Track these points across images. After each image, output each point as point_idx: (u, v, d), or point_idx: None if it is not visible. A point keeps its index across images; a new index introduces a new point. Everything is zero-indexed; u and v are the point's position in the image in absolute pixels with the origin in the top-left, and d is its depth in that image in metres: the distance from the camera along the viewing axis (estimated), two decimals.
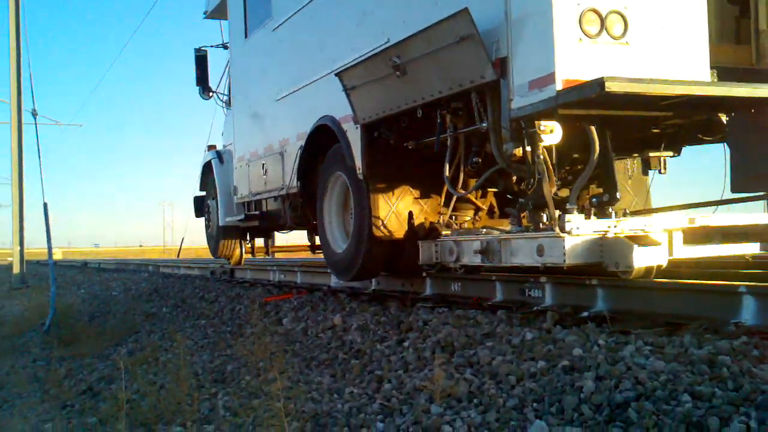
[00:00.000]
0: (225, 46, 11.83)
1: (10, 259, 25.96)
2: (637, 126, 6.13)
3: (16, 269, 22.03)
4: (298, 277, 10.24)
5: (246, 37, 10.28)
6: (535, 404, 3.84)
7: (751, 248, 5.93)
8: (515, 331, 5.04)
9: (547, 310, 5.41)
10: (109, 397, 6.03)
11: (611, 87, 4.42)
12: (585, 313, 5.11)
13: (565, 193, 6.13)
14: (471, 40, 5.23)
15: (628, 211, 6.29)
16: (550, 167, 5.34)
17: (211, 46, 12.34)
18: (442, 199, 6.94)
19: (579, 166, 6.20)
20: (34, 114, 13.73)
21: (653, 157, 7.09)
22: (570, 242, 4.92)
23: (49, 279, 12.31)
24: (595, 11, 4.78)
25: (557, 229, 5.07)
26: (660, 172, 7.20)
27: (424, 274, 7.15)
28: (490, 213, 7.32)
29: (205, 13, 12.19)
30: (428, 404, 4.23)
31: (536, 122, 5.03)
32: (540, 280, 5.74)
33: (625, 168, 7.50)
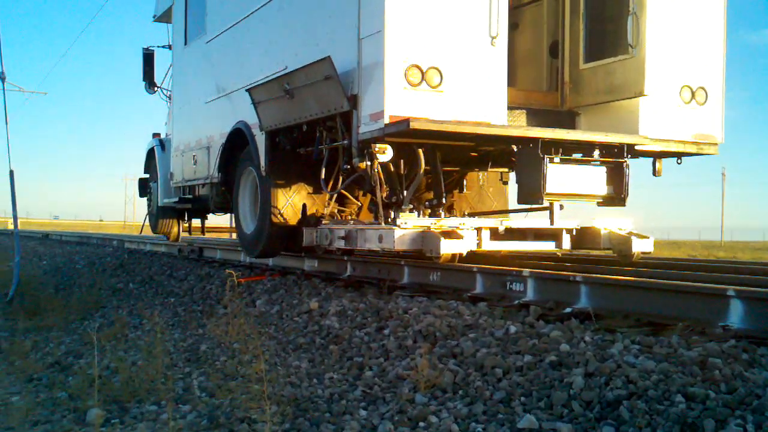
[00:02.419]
0: (170, 47, 12.89)
1: None
2: (459, 150, 7.98)
3: None
4: (269, 260, 10.12)
5: (185, 44, 11.69)
6: (522, 398, 3.81)
7: (547, 245, 7.61)
8: (498, 323, 5.00)
9: (528, 304, 5.40)
10: (78, 371, 5.88)
11: (414, 125, 6.16)
12: (568, 309, 5.10)
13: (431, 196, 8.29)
14: (332, 79, 6.78)
15: (466, 213, 9.09)
16: (382, 179, 7.08)
17: (158, 46, 13.64)
18: (332, 196, 8.30)
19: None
20: (2, 78, 13.22)
21: (499, 172, 9.21)
22: (399, 234, 6.50)
23: (10, 249, 12.03)
24: (418, 67, 6.33)
25: (382, 223, 6.87)
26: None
27: (403, 263, 7.17)
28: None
29: (154, 16, 13.50)
30: (412, 393, 4.19)
31: (373, 144, 6.55)
32: (522, 273, 5.73)
33: (483, 179, 9.60)
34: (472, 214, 8.95)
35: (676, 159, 7.90)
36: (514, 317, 5.17)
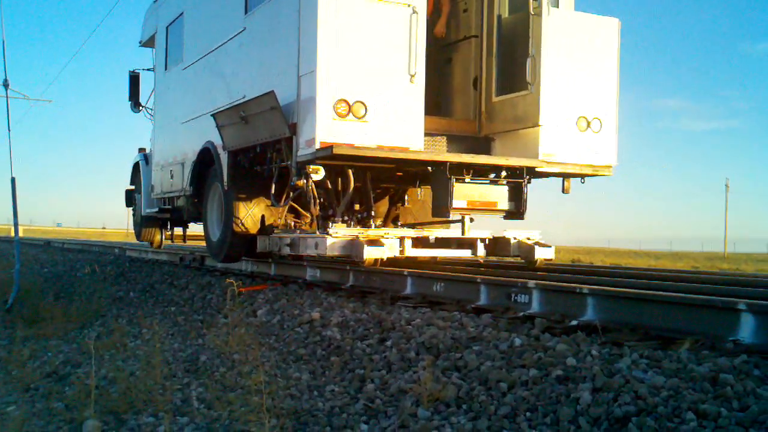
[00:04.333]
0: (153, 70, 14.01)
1: None
2: (388, 171, 9.16)
3: None
4: (271, 269, 10.04)
5: (166, 69, 12.88)
6: (528, 413, 3.72)
7: (464, 253, 8.89)
8: (502, 336, 4.91)
9: (534, 316, 5.30)
10: (76, 381, 5.79)
11: (336, 151, 7.18)
12: (574, 322, 5.00)
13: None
14: (276, 110, 7.81)
15: (399, 224, 10.39)
16: (315, 195, 8.15)
17: (144, 69, 14.83)
18: (285, 208, 9.24)
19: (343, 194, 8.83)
20: (6, 85, 13.15)
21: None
22: (330, 241, 7.62)
23: (11, 256, 11.95)
24: (346, 101, 7.29)
25: (317, 233, 7.98)
26: None
27: (406, 273, 7.10)
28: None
29: (140, 41, 14.64)
30: (415, 407, 4.09)
31: (308, 166, 7.65)
32: (527, 285, 5.63)
33: (422, 194, 10.26)
34: (411, 225, 10.27)
35: (580, 179, 8.91)
36: (518, 330, 5.07)
